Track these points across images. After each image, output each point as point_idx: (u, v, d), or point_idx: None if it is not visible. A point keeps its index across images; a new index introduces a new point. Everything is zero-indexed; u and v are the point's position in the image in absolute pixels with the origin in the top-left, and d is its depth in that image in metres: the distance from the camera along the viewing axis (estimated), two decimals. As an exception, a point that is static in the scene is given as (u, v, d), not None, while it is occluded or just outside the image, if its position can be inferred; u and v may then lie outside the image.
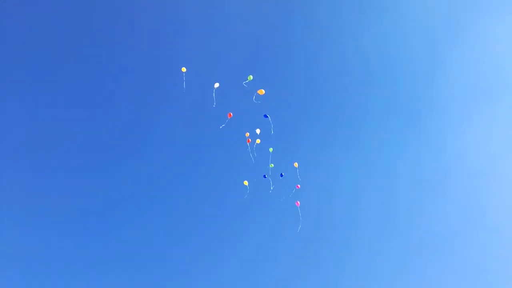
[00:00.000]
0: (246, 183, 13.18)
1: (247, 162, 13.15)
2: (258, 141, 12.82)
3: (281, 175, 13.05)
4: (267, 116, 12.52)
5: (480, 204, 16.55)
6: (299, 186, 13.22)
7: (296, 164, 13.11)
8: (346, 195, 16.78)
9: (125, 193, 16.15)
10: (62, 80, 15.82)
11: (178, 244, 16.10)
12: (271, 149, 12.99)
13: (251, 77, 12.20)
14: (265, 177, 13.03)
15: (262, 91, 12.30)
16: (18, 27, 15.45)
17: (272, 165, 12.96)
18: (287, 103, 16.68)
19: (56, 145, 15.79)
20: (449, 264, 16.04)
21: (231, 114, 12.46)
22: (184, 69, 12.42)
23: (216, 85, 12.29)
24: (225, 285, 15.55)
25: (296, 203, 13.19)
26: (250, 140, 12.78)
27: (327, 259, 16.22)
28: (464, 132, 16.93)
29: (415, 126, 17.19)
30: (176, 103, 16.18)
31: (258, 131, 12.72)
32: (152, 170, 16.36)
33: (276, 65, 16.75)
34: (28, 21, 15.44)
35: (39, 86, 15.71)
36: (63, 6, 15.68)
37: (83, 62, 15.92)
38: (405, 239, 16.38)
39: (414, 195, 16.75)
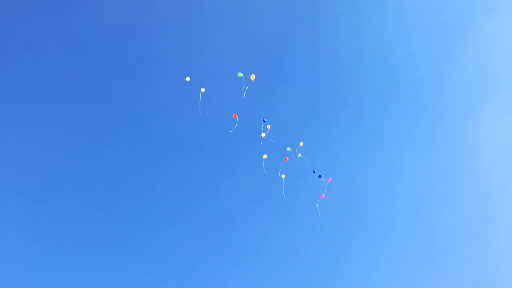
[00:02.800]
0: (283, 176, 13.32)
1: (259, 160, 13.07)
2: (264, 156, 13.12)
3: (314, 172, 13.32)
4: (265, 121, 12.92)
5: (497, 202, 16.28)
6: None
7: (301, 144, 13.16)
8: (362, 195, 16.46)
9: (132, 194, 15.85)
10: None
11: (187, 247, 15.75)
12: (299, 154, 13.20)
13: (240, 74, 12.59)
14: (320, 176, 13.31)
15: (253, 76, 12.59)
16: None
17: (300, 154, 13.16)
18: (299, 103, 16.56)
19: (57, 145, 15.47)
20: (470, 263, 15.88)
21: (236, 115, 12.94)
22: (188, 79, 12.78)
23: (202, 90, 12.74)
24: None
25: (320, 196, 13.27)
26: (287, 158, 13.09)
27: (346, 261, 16.00)
28: (479, 128, 16.69)
29: (431, 124, 16.91)
30: (180, 104, 15.94)
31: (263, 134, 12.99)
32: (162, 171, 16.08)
33: (278, 64, 16.61)
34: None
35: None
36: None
37: (79, 61, 15.72)
38: (423, 239, 16.14)
39: (432, 194, 16.49)
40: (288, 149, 13.00)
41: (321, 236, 15.93)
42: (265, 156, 13.05)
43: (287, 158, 13.04)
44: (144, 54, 15.85)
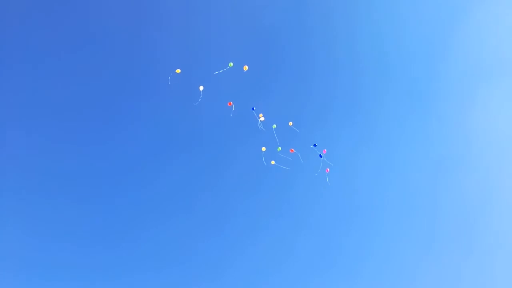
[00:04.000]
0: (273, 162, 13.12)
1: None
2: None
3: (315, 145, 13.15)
4: (254, 109, 12.86)
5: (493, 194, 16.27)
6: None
7: (290, 123, 13.12)
8: (357, 188, 16.43)
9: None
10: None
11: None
12: (274, 126, 13.01)
13: (231, 64, 12.50)
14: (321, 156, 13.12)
15: (246, 67, 12.57)
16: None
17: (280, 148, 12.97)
18: (294, 97, 16.44)
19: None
20: (471, 252, 15.84)
21: (231, 103, 12.81)
22: (178, 71, 12.69)
23: (201, 88, 12.71)
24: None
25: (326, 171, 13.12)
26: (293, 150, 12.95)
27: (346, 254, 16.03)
28: (474, 119, 16.58)
29: (429, 113, 16.84)
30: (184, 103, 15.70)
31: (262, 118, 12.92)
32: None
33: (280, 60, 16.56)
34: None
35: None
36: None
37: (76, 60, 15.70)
38: (425, 232, 16.04)
39: (427, 186, 16.43)
40: (279, 149, 12.94)
41: (316, 231, 16.00)
42: (263, 149, 13.03)
43: (293, 150, 12.94)
44: (139, 49, 15.87)
